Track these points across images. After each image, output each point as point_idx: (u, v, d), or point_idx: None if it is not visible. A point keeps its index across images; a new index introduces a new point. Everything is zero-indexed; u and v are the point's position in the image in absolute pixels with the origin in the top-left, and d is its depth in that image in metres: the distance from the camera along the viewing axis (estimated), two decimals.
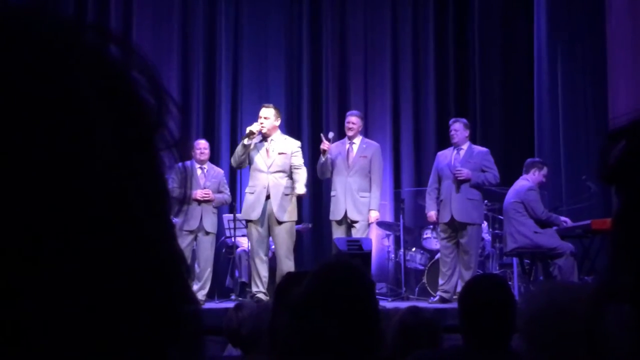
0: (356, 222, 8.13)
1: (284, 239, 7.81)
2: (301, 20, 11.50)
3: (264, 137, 7.86)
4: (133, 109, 0.46)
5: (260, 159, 7.85)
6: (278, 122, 7.94)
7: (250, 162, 7.90)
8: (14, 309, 0.39)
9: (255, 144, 7.84)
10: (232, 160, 8.03)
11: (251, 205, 7.84)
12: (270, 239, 8.04)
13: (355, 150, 8.32)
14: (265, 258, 7.91)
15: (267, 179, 7.80)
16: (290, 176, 7.89)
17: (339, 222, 8.18)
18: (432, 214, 8.35)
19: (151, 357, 0.44)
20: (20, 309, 0.40)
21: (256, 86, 11.30)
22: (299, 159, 7.94)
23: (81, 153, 0.42)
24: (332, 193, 8.32)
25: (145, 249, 0.44)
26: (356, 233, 8.09)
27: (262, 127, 7.79)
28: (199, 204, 8.15)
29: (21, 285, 0.40)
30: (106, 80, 0.45)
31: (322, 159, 8.20)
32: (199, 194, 8.13)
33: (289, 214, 7.85)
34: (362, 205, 8.16)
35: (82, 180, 0.41)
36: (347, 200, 8.14)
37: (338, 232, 8.16)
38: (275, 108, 8.03)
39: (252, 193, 7.87)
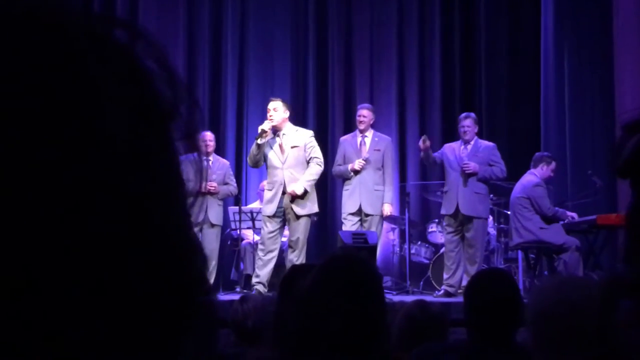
0: (369, 215, 8.15)
1: (299, 233, 7.82)
2: (307, 13, 11.48)
3: (276, 131, 7.84)
4: (147, 97, 0.45)
5: (274, 155, 7.82)
6: (287, 114, 7.87)
7: (265, 159, 7.89)
8: (28, 303, 0.39)
9: (268, 140, 7.83)
10: (248, 160, 8.00)
11: (269, 200, 7.85)
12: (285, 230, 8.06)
13: (368, 144, 8.33)
14: (275, 252, 7.90)
15: (282, 175, 7.79)
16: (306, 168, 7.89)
17: (354, 214, 8.19)
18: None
19: (166, 347, 0.44)
20: (34, 301, 0.39)
21: (262, 79, 11.30)
22: (314, 151, 7.86)
23: (94, 141, 0.41)
24: (346, 187, 8.32)
25: (161, 238, 0.43)
26: (369, 226, 8.11)
27: (271, 121, 7.77)
28: (204, 196, 8.16)
29: (34, 278, 0.39)
30: (119, 68, 0.45)
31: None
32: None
33: (308, 207, 7.84)
34: (376, 199, 8.20)
35: (97, 169, 0.41)
36: (362, 194, 8.16)
37: (350, 224, 8.16)
38: (283, 100, 8.00)
39: (270, 190, 7.87)
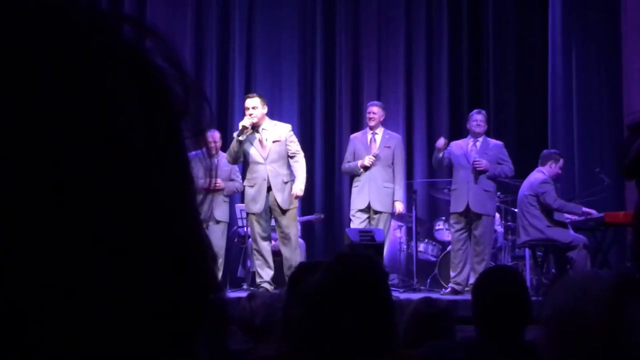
0: (378, 212, 8.14)
1: (291, 226, 7.80)
2: (315, 9, 11.47)
3: (255, 127, 7.76)
4: (158, 94, 0.45)
5: (255, 151, 7.77)
6: (265, 110, 7.82)
7: (245, 155, 7.85)
8: (42, 303, 0.39)
9: (247, 136, 7.78)
10: (228, 156, 7.90)
11: (253, 198, 7.80)
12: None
13: (378, 141, 8.33)
14: (269, 248, 7.90)
15: (265, 170, 7.75)
16: (289, 163, 7.85)
17: (363, 211, 8.18)
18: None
19: (178, 345, 0.44)
20: (49, 300, 0.39)
21: (269, 76, 11.29)
22: (294, 145, 7.85)
23: (106, 137, 0.41)
24: (355, 184, 8.32)
25: (172, 236, 0.43)
26: (377, 223, 8.09)
27: (252, 118, 7.71)
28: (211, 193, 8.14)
29: (47, 279, 0.40)
30: (129, 65, 0.45)
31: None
32: None
33: (293, 201, 7.82)
34: (385, 196, 8.19)
35: (108, 166, 0.41)
36: (371, 191, 8.15)
37: (359, 221, 8.16)
38: (260, 96, 7.95)
39: (252, 186, 7.80)
